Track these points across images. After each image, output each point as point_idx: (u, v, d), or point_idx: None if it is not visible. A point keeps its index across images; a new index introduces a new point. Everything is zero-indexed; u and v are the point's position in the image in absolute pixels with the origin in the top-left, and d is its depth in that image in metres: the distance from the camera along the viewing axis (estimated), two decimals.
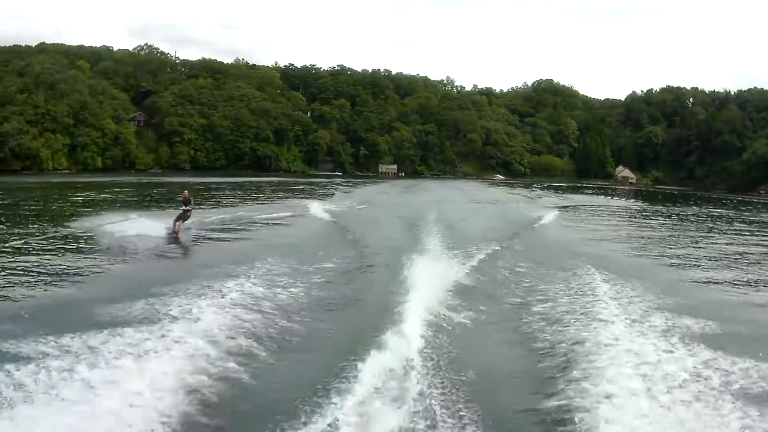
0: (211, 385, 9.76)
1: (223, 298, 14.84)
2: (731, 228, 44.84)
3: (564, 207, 57.88)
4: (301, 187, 77.88)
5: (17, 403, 8.57)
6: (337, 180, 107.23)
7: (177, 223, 26.71)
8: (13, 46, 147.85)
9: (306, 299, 16.09)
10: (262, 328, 13.17)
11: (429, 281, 16.73)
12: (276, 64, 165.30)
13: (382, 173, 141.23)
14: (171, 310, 13.64)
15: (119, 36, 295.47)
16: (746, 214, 63.09)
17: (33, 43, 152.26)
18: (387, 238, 29.07)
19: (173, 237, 26.11)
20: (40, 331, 11.76)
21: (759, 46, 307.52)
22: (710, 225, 46.82)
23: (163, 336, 11.58)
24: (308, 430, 8.39)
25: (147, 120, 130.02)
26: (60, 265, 19.74)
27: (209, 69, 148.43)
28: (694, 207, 71.43)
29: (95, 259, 21.05)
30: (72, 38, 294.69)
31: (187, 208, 27.26)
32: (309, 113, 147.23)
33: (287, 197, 57.79)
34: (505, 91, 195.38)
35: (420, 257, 20.98)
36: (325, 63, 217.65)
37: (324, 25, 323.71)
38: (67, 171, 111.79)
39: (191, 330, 12.05)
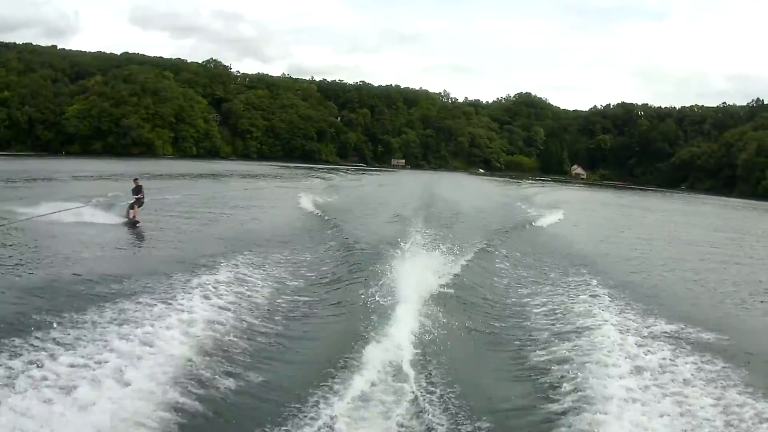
0: (196, 389, 9.49)
1: (210, 289, 14.93)
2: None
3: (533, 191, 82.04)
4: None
5: None
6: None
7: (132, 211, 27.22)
8: (98, 52, 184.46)
9: (300, 287, 16.85)
10: (251, 321, 13.17)
11: (420, 272, 16.67)
12: (312, 78, 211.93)
13: (393, 165, 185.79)
14: (164, 297, 13.63)
15: (122, 24, 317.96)
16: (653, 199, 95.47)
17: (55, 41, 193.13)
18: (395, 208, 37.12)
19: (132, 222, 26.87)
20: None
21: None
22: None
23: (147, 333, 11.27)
24: None
25: (223, 120, 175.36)
26: None
27: (263, 81, 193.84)
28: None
29: None
30: (79, 24, 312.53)
31: (139, 195, 27.74)
32: (339, 119, 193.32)
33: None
34: (490, 101, 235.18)
35: (412, 246, 21.37)
36: (343, 71, 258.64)
37: (319, 19, 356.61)
38: (172, 156, 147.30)
39: (176, 326, 11.75)
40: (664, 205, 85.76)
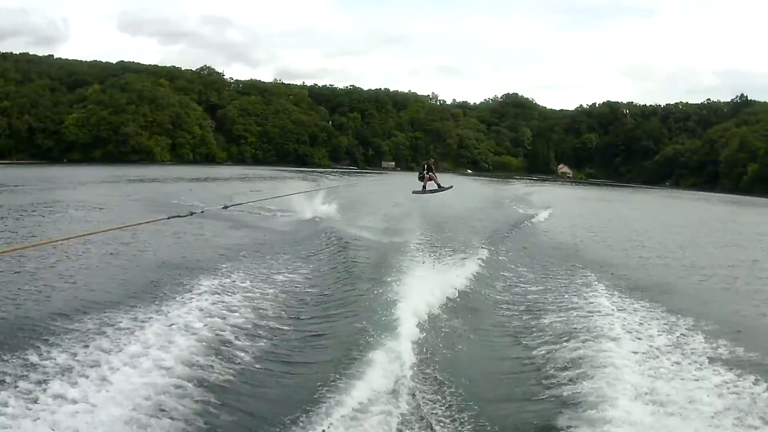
0: (193, 394, 9.24)
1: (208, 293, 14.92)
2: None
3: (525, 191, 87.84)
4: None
5: None
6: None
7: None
8: (94, 61, 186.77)
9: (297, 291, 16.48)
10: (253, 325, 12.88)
11: (420, 273, 16.63)
12: (303, 83, 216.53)
13: (384, 168, 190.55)
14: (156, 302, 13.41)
15: (111, 31, 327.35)
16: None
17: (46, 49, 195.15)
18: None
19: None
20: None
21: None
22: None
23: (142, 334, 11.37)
24: None
25: (218, 126, 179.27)
26: None
27: (255, 87, 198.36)
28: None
29: None
30: (68, 31, 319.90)
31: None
32: (330, 122, 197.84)
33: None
34: (478, 102, 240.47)
35: (412, 245, 21.37)
36: (331, 74, 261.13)
37: (307, 22, 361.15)
38: (170, 163, 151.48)
39: (173, 327, 11.63)
40: (650, 200, 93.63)
